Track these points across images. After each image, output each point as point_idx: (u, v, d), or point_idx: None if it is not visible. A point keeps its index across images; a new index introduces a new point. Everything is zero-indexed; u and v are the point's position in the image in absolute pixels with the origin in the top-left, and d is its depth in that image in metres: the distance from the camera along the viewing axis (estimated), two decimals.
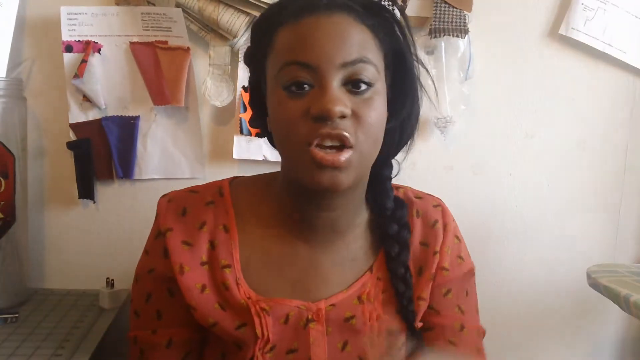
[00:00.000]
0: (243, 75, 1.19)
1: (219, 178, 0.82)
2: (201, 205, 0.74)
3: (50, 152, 1.23)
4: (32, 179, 1.19)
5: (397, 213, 0.75)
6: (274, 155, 1.20)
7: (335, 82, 0.62)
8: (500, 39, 1.25)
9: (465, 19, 1.19)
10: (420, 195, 0.80)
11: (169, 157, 1.24)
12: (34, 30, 1.19)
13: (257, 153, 1.22)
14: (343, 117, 0.61)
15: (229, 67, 1.19)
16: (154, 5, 1.17)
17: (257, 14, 1.13)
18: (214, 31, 1.18)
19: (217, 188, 0.77)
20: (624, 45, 1.26)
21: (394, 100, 0.70)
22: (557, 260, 1.32)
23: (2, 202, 1.06)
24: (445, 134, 1.25)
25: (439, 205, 0.79)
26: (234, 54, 1.19)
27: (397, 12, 0.72)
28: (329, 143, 0.62)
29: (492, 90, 1.26)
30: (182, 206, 0.74)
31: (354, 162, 0.63)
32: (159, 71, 1.18)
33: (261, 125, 0.74)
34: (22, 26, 1.17)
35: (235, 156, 1.22)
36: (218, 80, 1.20)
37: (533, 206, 1.31)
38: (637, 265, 1.22)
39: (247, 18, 1.15)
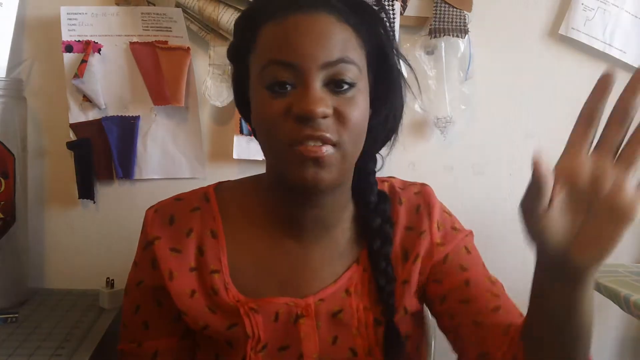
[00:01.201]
0: None
1: (219, 178, 0.82)
2: (187, 212, 0.75)
3: (50, 152, 1.23)
4: (32, 179, 1.19)
5: (380, 207, 0.75)
6: None
7: (317, 82, 0.62)
8: (500, 39, 1.25)
9: (465, 19, 1.19)
10: (403, 186, 0.80)
11: (169, 157, 1.24)
12: (34, 30, 1.19)
13: (257, 153, 1.21)
14: (325, 117, 0.62)
15: (229, 67, 1.19)
16: (154, 5, 1.17)
17: None
18: (214, 31, 1.18)
19: (202, 194, 0.77)
20: (624, 45, 1.26)
21: (378, 97, 0.70)
22: None
23: (2, 202, 1.06)
24: (445, 134, 1.25)
25: (419, 191, 0.79)
26: None
27: (378, 10, 0.72)
28: (311, 144, 0.62)
29: (492, 90, 1.26)
30: (168, 214, 0.75)
31: (336, 160, 0.63)
32: (159, 71, 1.18)
33: (248, 120, 0.74)
34: (22, 26, 1.17)
35: (235, 156, 1.22)
36: (218, 80, 1.20)
37: None
38: (637, 265, 1.23)
39: None
